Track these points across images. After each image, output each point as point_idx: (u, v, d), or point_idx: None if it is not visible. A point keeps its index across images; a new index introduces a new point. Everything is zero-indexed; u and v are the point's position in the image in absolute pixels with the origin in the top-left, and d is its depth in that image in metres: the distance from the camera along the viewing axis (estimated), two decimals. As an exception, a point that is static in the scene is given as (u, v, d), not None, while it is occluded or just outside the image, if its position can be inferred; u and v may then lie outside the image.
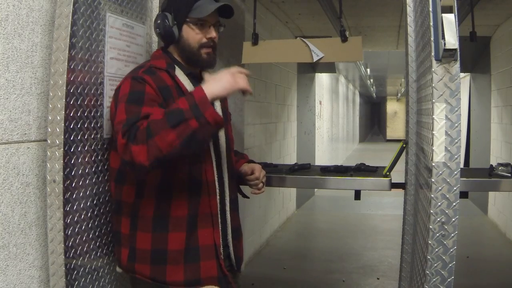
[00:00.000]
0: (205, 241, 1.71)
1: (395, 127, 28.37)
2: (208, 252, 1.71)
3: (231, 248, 1.85)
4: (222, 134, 1.84)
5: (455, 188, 1.44)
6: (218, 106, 1.86)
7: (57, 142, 1.65)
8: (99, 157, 1.82)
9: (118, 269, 1.80)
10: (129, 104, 1.59)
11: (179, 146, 1.47)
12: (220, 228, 1.78)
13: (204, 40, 1.77)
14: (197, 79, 1.83)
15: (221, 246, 1.77)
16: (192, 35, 1.76)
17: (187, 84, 1.75)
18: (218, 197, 1.76)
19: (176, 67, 1.78)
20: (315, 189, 8.10)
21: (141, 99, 1.60)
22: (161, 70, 1.73)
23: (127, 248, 1.72)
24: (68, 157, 1.68)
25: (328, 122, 11.01)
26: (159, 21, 1.76)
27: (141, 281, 1.71)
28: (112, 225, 1.84)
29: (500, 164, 2.32)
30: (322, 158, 9.45)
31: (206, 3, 1.74)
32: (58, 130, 1.65)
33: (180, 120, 1.47)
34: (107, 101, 1.85)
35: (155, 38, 2.16)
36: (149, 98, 1.60)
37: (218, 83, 1.56)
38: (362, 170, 2.43)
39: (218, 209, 1.77)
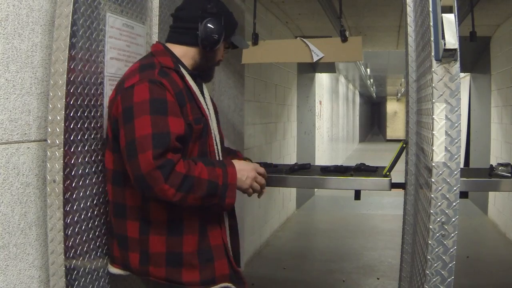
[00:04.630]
0: (215, 241, 1.73)
1: (395, 127, 28.39)
2: (219, 251, 1.73)
3: (228, 246, 1.85)
4: (216, 133, 1.86)
5: (455, 188, 1.44)
6: (211, 106, 1.89)
7: (57, 142, 1.65)
8: (99, 157, 1.82)
9: (115, 271, 1.78)
10: (154, 116, 1.57)
11: (198, 206, 1.64)
12: (226, 227, 1.79)
13: (220, 60, 1.89)
14: (196, 80, 1.84)
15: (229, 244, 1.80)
16: (220, 52, 1.87)
17: (194, 86, 1.76)
18: None
19: (180, 66, 1.77)
20: (315, 189, 8.10)
21: (165, 109, 1.59)
22: (170, 69, 1.71)
23: (136, 252, 1.69)
24: (68, 157, 1.68)
25: (328, 122, 11.01)
26: (219, 24, 1.77)
27: (155, 283, 1.71)
28: (113, 228, 1.77)
29: (500, 164, 2.31)
30: (322, 158, 9.45)
31: (240, 36, 1.93)
32: (58, 130, 1.65)
33: (212, 194, 1.63)
34: (107, 101, 1.85)
35: (155, 38, 2.16)
36: (171, 107, 1.61)
37: (244, 181, 1.74)
38: (362, 170, 2.42)
39: None
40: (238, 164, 1.74)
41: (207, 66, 1.85)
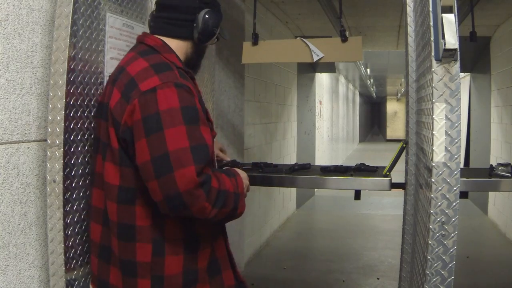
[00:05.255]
0: (221, 252, 1.65)
1: (395, 127, 28.40)
2: (225, 262, 1.66)
3: (232, 255, 1.80)
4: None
5: (455, 188, 1.44)
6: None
7: (57, 142, 1.65)
8: (99, 157, 1.82)
9: None
10: (189, 126, 1.42)
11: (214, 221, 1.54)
12: (227, 235, 1.73)
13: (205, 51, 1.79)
14: None
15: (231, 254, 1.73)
16: (208, 44, 1.74)
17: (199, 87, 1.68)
18: None
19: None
20: (315, 189, 8.09)
21: (197, 118, 1.46)
22: (182, 70, 1.57)
23: (147, 278, 1.50)
24: (68, 157, 1.68)
25: (328, 122, 11.01)
26: (216, 15, 1.65)
27: None
28: (113, 253, 1.56)
29: (500, 164, 2.31)
30: (322, 158, 9.45)
31: (223, 27, 1.77)
32: (58, 130, 1.65)
33: (235, 206, 1.54)
34: (107, 101, 1.85)
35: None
36: (201, 115, 1.49)
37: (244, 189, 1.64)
38: (362, 170, 2.42)
39: None
40: (239, 172, 1.67)
41: (198, 60, 1.73)
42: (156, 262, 1.50)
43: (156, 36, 1.64)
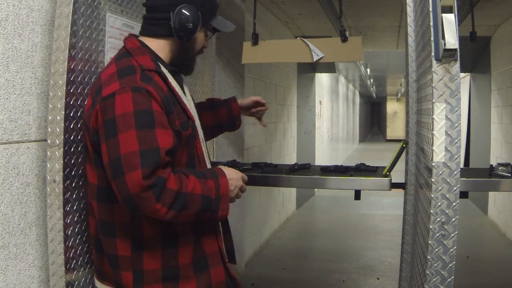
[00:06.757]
0: (210, 249, 1.66)
1: (395, 127, 28.41)
2: (215, 258, 1.67)
3: (224, 252, 1.78)
4: (201, 131, 1.77)
5: (455, 188, 1.44)
6: (192, 103, 1.81)
7: (57, 142, 1.65)
8: (99, 157, 1.82)
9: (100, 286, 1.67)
10: (140, 130, 1.43)
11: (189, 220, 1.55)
12: (221, 232, 1.73)
13: (204, 47, 1.76)
14: (176, 77, 1.72)
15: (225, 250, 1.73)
16: (200, 40, 1.72)
17: (176, 86, 1.64)
18: None
19: (160, 65, 1.63)
20: (315, 189, 8.10)
21: (151, 121, 1.46)
22: (151, 72, 1.56)
23: (129, 271, 1.56)
24: (68, 157, 1.68)
25: (328, 122, 11.01)
26: (193, 10, 1.61)
27: None
28: (100, 247, 1.62)
29: (500, 164, 2.31)
30: (322, 158, 9.45)
31: (223, 18, 1.76)
32: (58, 130, 1.65)
33: (205, 209, 1.54)
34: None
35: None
36: (158, 117, 1.48)
37: (232, 191, 1.62)
38: (362, 170, 2.42)
39: None
40: (228, 172, 1.63)
41: (187, 58, 1.71)
42: (136, 256, 1.56)
43: (139, 37, 1.68)
